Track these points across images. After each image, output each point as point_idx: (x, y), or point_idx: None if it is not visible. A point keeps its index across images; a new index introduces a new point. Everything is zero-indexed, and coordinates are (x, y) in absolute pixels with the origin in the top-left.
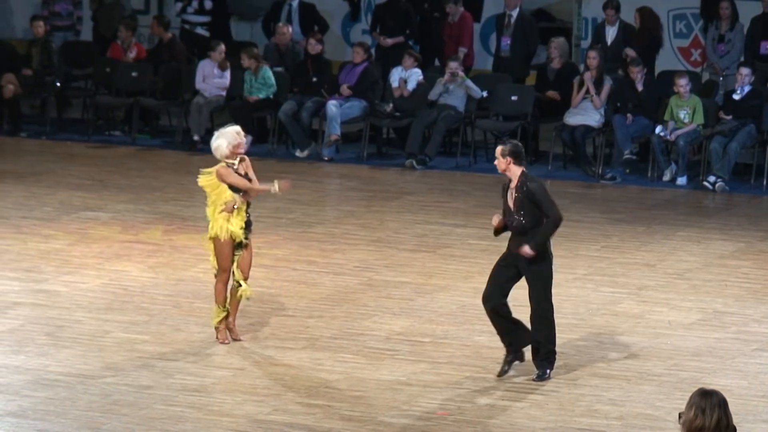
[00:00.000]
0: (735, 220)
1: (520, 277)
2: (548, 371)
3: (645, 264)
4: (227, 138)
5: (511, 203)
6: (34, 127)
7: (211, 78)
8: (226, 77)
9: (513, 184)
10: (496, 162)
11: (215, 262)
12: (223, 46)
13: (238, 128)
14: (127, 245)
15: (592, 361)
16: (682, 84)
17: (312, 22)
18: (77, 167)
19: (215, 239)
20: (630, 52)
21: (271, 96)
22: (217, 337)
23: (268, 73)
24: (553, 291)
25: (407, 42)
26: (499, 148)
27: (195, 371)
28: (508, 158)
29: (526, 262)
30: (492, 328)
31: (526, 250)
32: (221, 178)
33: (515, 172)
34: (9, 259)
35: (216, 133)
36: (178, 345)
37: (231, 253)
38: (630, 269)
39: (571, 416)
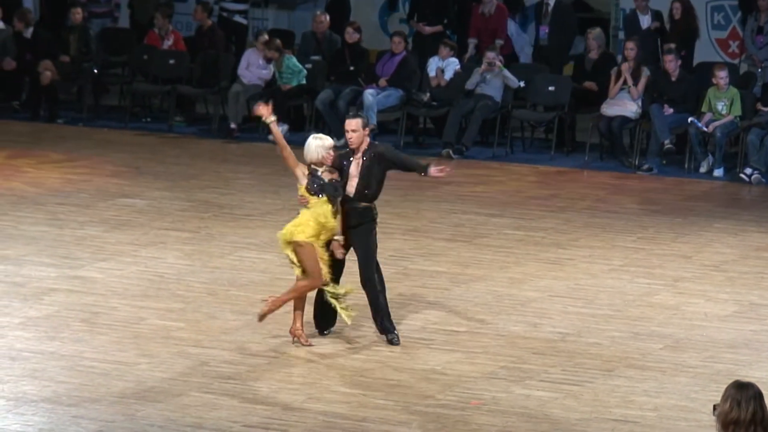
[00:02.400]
0: None
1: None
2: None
3: (681, 255)
4: (323, 145)
5: (355, 171)
6: (71, 113)
7: (255, 67)
8: (269, 69)
9: (359, 154)
10: (352, 135)
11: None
12: (266, 36)
13: (331, 143)
14: (162, 232)
15: (628, 353)
16: (722, 76)
17: (340, 9)
18: (114, 154)
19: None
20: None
21: (303, 81)
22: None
23: (292, 61)
24: (589, 282)
25: (445, 31)
26: (356, 121)
27: (230, 359)
28: (367, 129)
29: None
30: (526, 319)
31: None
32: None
33: (367, 141)
34: (45, 245)
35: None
36: (214, 332)
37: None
38: (666, 261)
39: (605, 407)
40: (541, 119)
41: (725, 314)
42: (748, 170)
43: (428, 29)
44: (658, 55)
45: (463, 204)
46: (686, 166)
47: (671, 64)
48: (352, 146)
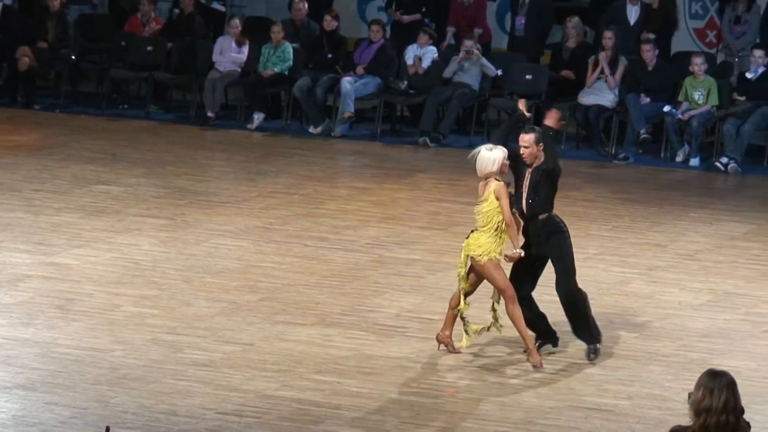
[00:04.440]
0: (747, 201)
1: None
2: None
3: (656, 244)
4: (501, 155)
5: (526, 186)
6: (48, 99)
7: (228, 52)
8: (244, 52)
9: (531, 169)
10: (525, 151)
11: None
12: (237, 21)
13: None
14: (138, 219)
15: (602, 341)
16: (698, 63)
17: None
18: (90, 140)
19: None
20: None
21: (286, 72)
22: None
23: (288, 49)
24: None
25: (423, 20)
26: (529, 137)
27: (204, 346)
28: (541, 144)
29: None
30: (500, 307)
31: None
32: (498, 195)
33: (541, 156)
34: (20, 231)
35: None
36: (188, 320)
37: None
38: (641, 249)
39: (579, 395)
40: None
41: (699, 303)
42: (724, 159)
43: (406, 18)
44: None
45: (439, 192)
46: (662, 155)
47: (648, 53)
48: (526, 161)
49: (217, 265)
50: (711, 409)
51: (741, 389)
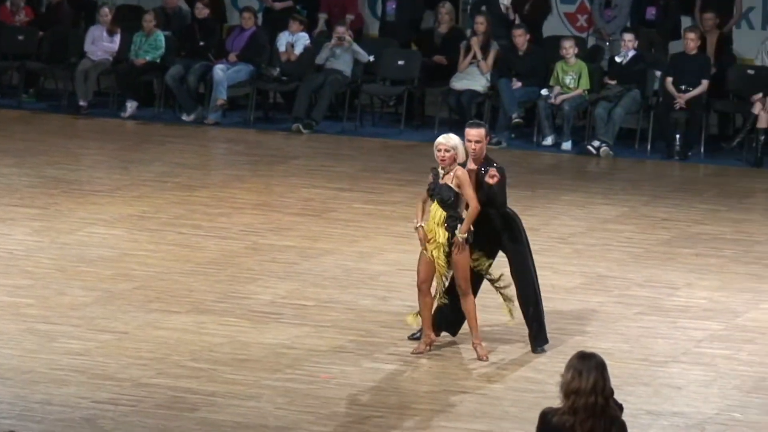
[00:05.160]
0: (619, 184)
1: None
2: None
3: (529, 228)
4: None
5: (478, 180)
6: None
7: (100, 41)
8: (115, 41)
9: (478, 164)
10: (476, 146)
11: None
12: (107, 9)
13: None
14: (11, 209)
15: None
16: (566, 47)
17: None
18: None
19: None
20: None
21: (158, 60)
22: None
23: (160, 36)
24: None
25: (295, 6)
26: (479, 131)
27: (79, 335)
28: (489, 137)
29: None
30: (375, 293)
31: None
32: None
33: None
34: None
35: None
36: (62, 309)
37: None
38: None
39: (453, 379)
40: (390, 93)
41: (572, 286)
42: (596, 143)
43: (278, 5)
44: None
45: (312, 178)
46: (534, 139)
47: (520, 38)
48: (475, 156)
49: (91, 254)
50: (579, 390)
51: (614, 371)
